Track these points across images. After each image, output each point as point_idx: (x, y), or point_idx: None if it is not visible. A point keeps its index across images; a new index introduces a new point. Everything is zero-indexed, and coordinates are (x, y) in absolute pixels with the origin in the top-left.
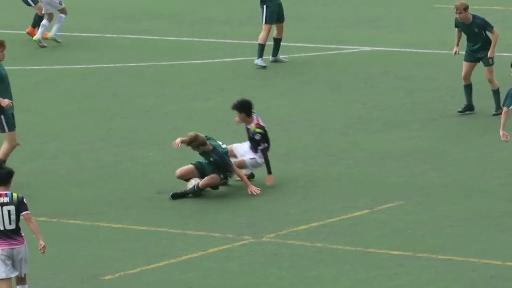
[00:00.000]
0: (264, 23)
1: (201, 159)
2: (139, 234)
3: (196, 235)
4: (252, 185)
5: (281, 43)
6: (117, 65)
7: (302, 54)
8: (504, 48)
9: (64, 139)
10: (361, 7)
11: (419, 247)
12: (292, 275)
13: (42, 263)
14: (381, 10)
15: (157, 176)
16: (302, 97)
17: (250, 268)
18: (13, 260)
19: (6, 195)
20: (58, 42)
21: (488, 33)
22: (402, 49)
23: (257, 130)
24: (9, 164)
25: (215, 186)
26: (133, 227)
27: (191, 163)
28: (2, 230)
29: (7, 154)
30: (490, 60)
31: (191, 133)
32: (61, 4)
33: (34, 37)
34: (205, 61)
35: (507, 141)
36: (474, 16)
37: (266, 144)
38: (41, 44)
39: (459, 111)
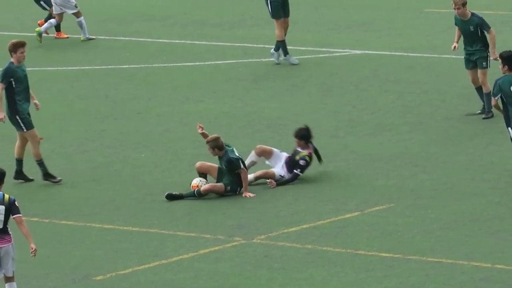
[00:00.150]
0: (271, 18)
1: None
2: (130, 235)
3: (187, 236)
4: (247, 191)
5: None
6: (109, 67)
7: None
8: None
9: (57, 140)
10: (352, 11)
11: (408, 250)
12: (283, 276)
13: (33, 263)
14: (372, 14)
15: (148, 177)
16: (293, 100)
17: (240, 269)
18: (0, 259)
19: None
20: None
21: (485, 33)
22: (393, 53)
23: (307, 158)
24: (2, 165)
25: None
26: (125, 228)
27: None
28: None
29: (37, 153)
30: (484, 63)
31: (215, 134)
32: (76, 7)
33: (37, 28)
34: (197, 63)
35: None
36: (472, 14)
37: (301, 174)
38: (39, 39)
39: (478, 113)
